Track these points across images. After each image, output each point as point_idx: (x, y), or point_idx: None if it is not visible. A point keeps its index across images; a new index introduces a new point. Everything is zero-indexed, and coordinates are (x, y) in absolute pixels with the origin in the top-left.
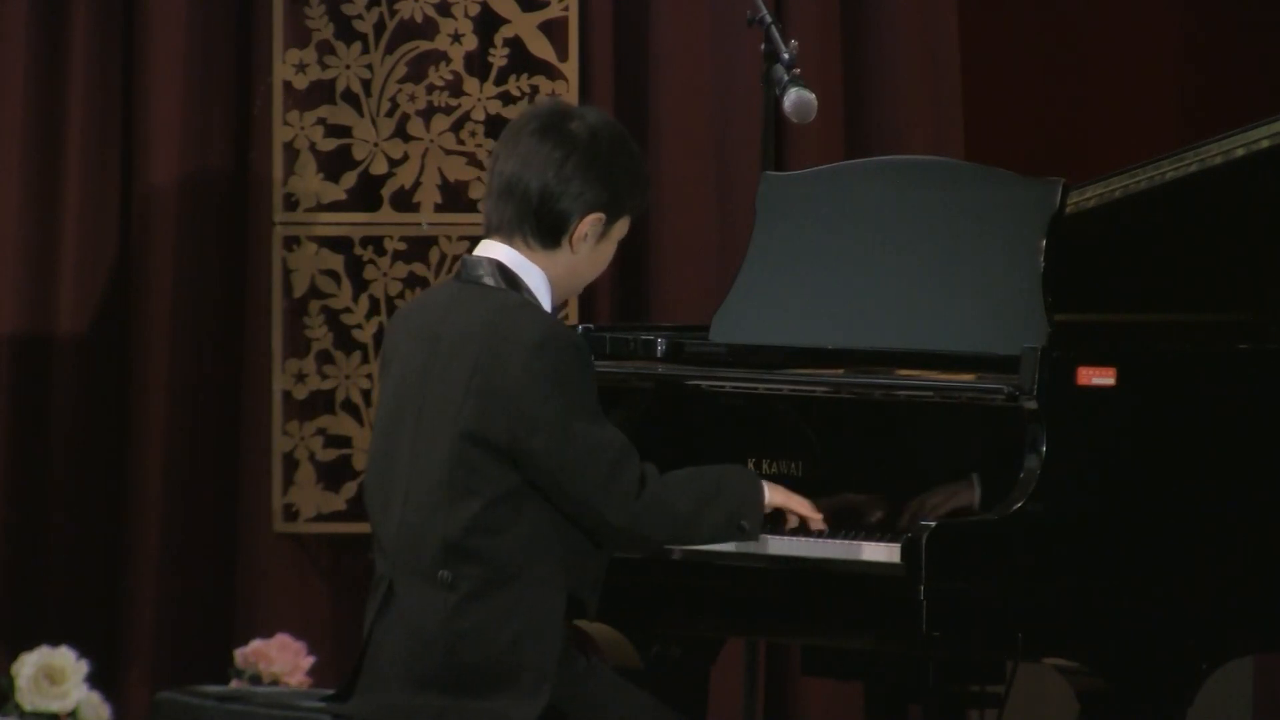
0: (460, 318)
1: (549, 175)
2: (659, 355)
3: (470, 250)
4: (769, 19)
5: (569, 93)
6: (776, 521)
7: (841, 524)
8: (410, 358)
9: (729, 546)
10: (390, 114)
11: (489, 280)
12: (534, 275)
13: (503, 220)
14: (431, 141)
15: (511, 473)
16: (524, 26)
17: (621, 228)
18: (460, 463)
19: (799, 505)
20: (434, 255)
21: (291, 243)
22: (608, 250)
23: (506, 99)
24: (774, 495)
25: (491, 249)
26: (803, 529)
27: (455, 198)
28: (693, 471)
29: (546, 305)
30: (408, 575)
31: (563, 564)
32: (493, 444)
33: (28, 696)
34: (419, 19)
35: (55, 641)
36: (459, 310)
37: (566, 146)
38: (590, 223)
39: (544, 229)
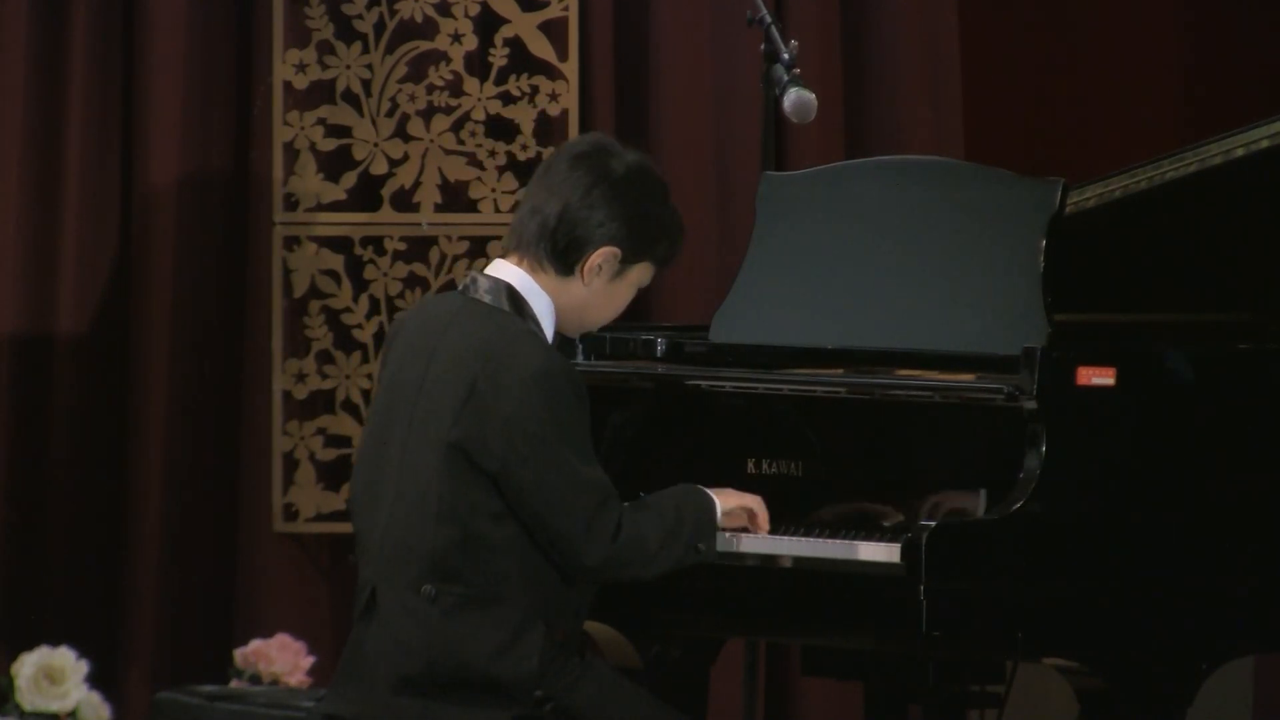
0: (459, 335)
1: (573, 199)
2: (659, 355)
3: (470, 253)
4: (769, 19)
5: (569, 93)
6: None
7: (841, 524)
8: (405, 369)
9: (728, 546)
10: (390, 114)
11: (491, 300)
12: (541, 302)
13: (522, 239)
14: (431, 141)
15: (498, 496)
16: (524, 26)
17: (642, 273)
18: (448, 481)
19: (750, 503)
20: (434, 255)
21: (291, 243)
22: (623, 293)
23: (506, 99)
24: (726, 501)
25: (503, 269)
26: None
27: (455, 198)
28: (653, 501)
29: (548, 333)
30: (391, 585)
31: (545, 590)
32: (482, 468)
33: (28, 696)
34: (419, 19)
35: (55, 641)
36: (458, 327)
37: (596, 175)
38: (604, 255)
39: (558, 252)
